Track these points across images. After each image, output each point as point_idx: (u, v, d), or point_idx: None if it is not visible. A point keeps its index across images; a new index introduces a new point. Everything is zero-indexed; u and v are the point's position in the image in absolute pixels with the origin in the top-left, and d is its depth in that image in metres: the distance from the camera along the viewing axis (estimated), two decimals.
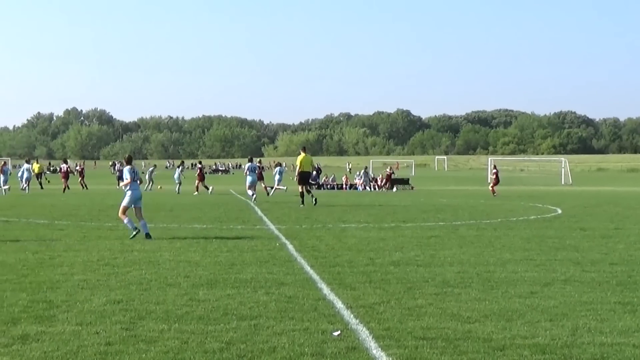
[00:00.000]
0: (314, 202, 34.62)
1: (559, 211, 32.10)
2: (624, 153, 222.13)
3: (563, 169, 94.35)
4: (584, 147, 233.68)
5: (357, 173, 75.24)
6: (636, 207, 36.02)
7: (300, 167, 35.70)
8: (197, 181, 52.82)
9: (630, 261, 15.63)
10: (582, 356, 8.12)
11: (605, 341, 8.74)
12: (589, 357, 8.10)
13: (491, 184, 51.21)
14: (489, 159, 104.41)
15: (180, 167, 57.28)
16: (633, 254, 16.91)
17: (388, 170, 69.60)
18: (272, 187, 46.53)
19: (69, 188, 54.23)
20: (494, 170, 52.12)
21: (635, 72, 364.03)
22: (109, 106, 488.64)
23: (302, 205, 34.19)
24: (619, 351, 8.33)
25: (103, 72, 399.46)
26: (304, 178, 35.78)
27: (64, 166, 59.14)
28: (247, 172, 43.20)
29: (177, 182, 55.00)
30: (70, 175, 59.06)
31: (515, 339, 8.84)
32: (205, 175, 55.31)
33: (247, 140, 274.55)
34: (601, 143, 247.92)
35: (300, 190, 35.37)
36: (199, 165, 56.18)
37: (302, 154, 35.98)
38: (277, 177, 46.88)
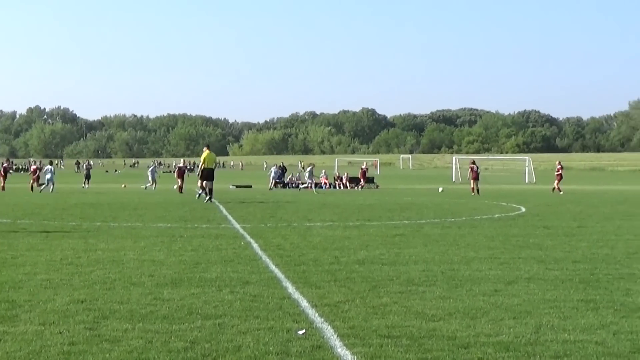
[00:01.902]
0: (208, 200, 35.85)
1: (523, 210, 32.30)
2: (587, 152, 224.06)
3: (527, 168, 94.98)
4: (548, 146, 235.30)
5: (322, 172, 75.17)
6: (599, 205, 36.32)
7: (203, 164, 37.13)
8: (179, 180, 52.30)
9: (592, 259, 15.75)
10: (545, 353, 8.17)
11: (568, 338, 8.79)
12: (552, 354, 8.15)
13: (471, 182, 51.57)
14: (454, 157, 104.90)
15: (153, 166, 57.31)
16: (596, 251, 17.05)
17: (363, 167, 69.02)
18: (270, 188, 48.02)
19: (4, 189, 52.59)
20: (472, 166, 52.02)
21: (598, 71, 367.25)
22: (73, 104, 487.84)
23: (204, 196, 36.48)
24: (581, 348, 8.38)
25: (67, 70, 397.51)
26: (206, 175, 36.87)
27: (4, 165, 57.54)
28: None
29: (151, 180, 54.96)
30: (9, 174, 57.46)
31: (479, 336, 8.87)
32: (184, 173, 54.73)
33: (212, 139, 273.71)
34: (564, 142, 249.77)
35: (200, 184, 37.05)
36: (180, 165, 55.82)
37: (206, 152, 37.55)
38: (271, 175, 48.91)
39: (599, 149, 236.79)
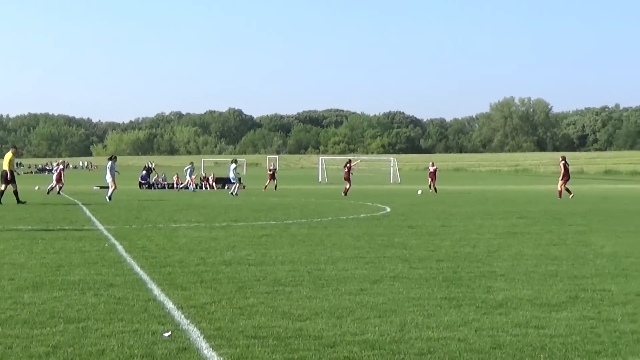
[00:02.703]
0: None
1: (388, 209, 32.75)
2: (450, 152, 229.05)
3: (392, 168, 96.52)
4: (412, 147, 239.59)
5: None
6: (461, 205, 37.13)
7: (9, 166, 36.68)
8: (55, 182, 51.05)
9: (455, 257, 16.07)
10: (409, 351, 8.28)
11: (432, 336, 8.93)
12: (417, 351, 8.26)
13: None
14: (320, 158, 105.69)
15: (61, 166, 56.26)
16: (458, 250, 17.40)
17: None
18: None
19: None
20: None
21: (460, 73, 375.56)
22: None
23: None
24: (445, 345, 8.53)
25: None
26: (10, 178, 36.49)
27: None
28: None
29: (55, 181, 54.08)
30: None
31: (345, 335, 8.93)
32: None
33: (75, 139, 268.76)
34: (428, 143, 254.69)
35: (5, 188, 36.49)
36: (61, 166, 54.37)
37: (10, 153, 37.22)
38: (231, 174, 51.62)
39: (461, 149, 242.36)
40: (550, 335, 8.99)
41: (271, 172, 65.80)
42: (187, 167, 63.67)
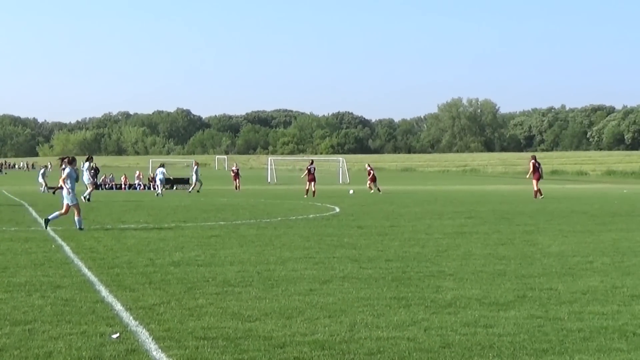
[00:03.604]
0: None
1: (337, 210, 32.81)
2: (399, 153, 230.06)
3: (341, 169, 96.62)
4: (361, 147, 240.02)
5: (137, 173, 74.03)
6: (410, 205, 37.29)
7: None
8: None
9: (404, 257, 16.14)
10: (359, 350, 8.30)
11: (382, 335, 8.97)
12: (366, 351, 8.29)
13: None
14: (269, 158, 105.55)
15: (45, 169, 56.21)
16: (407, 250, 17.48)
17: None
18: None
19: None
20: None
21: (410, 74, 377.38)
22: None
23: None
24: (394, 344, 8.56)
25: None
26: None
27: None
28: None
29: (42, 183, 53.66)
30: None
31: (295, 336, 8.93)
32: None
33: (21, 139, 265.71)
34: (377, 143, 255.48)
35: None
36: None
37: None
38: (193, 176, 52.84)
39: (410, 150, 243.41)
40: (499, 334, 9.06)
41: (235, 172, 65.29)
42: (159, 169, 60.51)
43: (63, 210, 22.59)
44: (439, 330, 9.24)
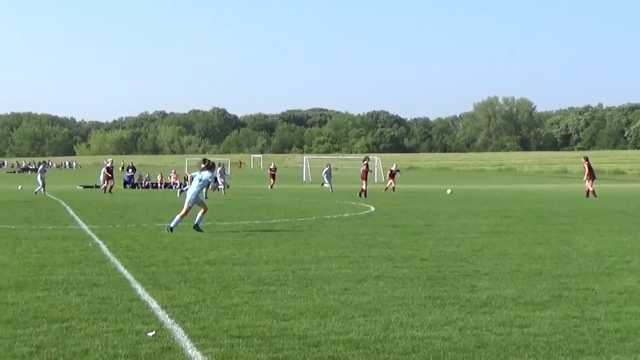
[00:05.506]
0: None
1: (372, 209, 32.75)
2: (434, 152, 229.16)
3: (376, 168, 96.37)
4: (396, 146, 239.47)
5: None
6: (445, 204, 37.15)
7: None
8: None
9: (439, 257, 16.10)
10: (394, 350, 8.29)
11: (416, 335, 8.95)
12: (401, 350, 8.28)
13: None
14: (304, 157, 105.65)
15: (43, 165, 56.28)
16: (442, 249, 17.43)
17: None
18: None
19: None
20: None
21: (444, 73, 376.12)
22: None
23: None
24: (429, 344, 8.55)
25: None
26: None
27: None
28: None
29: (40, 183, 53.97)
30: None
31: (329, 335, 8.94)
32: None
33: (59, 138, 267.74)
34: (412, 142, 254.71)
35: None
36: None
37: None
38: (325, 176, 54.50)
39: (445, 149, 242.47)
40: (534, 334, 9.02)
41: (272, 172, 65.43)
42: (219, 168, 59.17)
43: (183, 212, 21.80)
44: (474, 330, 9.21)
